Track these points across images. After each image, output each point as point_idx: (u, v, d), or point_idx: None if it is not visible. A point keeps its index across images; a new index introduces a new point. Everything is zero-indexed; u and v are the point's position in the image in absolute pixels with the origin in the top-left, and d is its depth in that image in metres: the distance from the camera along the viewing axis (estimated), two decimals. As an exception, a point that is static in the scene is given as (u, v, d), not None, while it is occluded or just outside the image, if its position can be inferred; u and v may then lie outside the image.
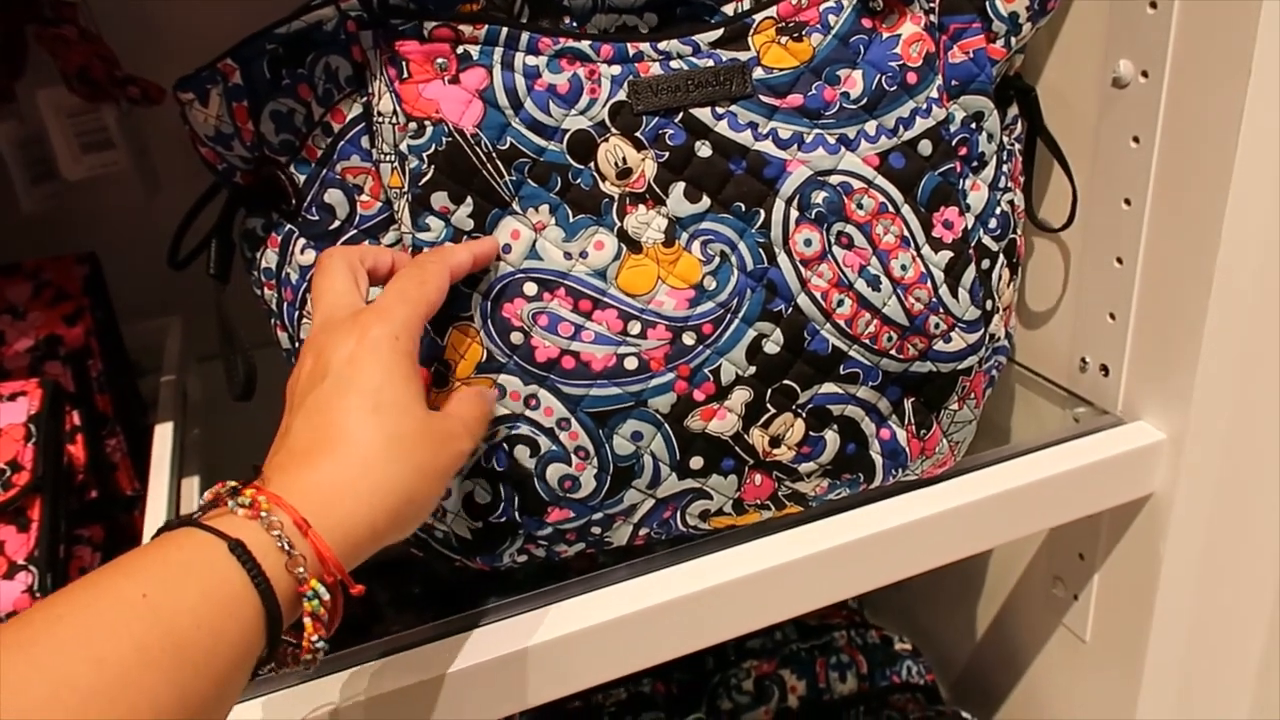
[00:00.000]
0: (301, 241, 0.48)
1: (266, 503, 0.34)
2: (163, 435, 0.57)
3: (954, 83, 0.50)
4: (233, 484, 0.35)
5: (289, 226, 0.49)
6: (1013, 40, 0.51)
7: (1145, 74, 0.52)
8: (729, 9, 0.48)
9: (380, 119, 0.46)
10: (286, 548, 0.33)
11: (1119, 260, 0.56)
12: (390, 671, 0.46)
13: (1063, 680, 0.69)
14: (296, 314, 0.50)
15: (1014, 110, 0.55)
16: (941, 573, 0.80)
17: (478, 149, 0.45)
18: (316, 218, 0.48)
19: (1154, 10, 0.50)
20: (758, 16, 0.46)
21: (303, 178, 0.47)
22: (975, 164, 0.51)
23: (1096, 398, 0.60)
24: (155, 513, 0.50)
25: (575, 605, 0.48)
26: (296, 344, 0.51)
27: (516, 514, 0.48)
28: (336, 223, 0.48)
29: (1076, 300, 0.60)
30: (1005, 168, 0.53)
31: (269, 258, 0.50)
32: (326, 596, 0.34)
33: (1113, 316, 0.58)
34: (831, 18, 0.47)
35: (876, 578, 0.52)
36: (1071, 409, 0.62)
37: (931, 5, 0.49)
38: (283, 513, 0.34)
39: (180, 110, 0.48)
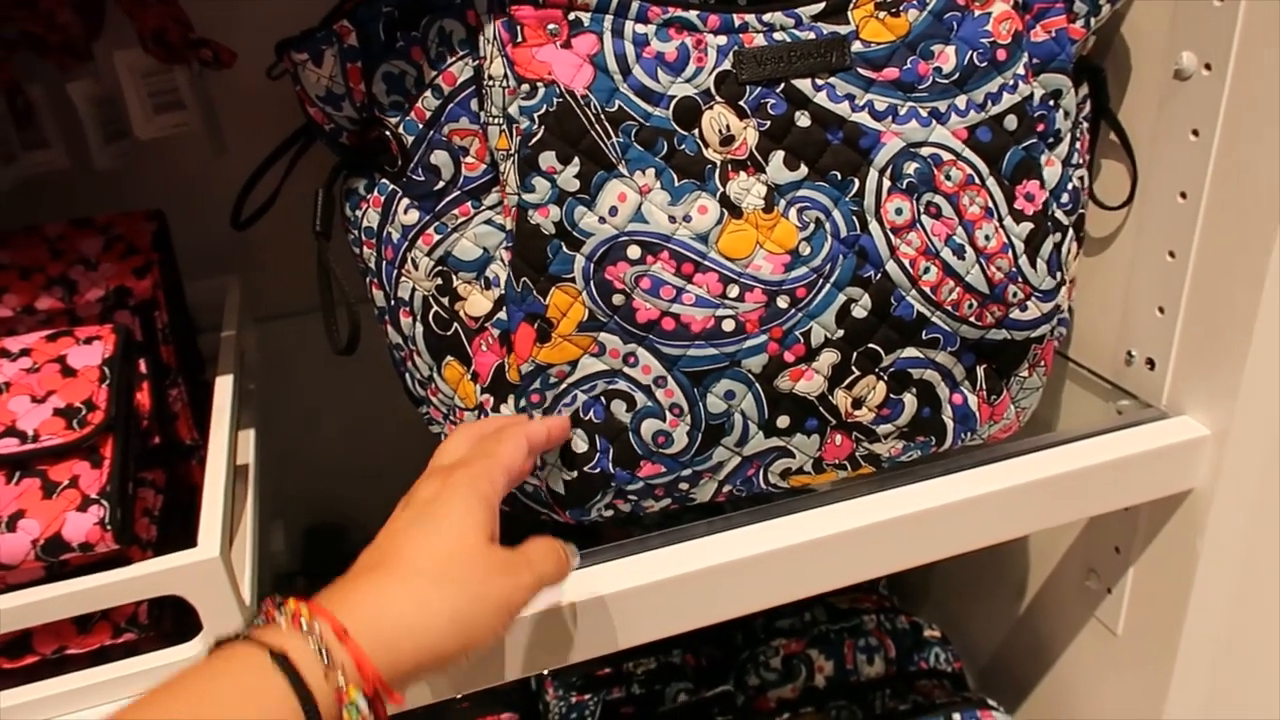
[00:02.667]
0: (405, 201, 0.50)
1: (308, 612, 0.35)
2: (222, 387, 0.59)
3: (1035, 60, 0.52)
4: (279, 597, 0.36)
5: (392, 186, 0.50)
6: (1092, 21, 0.53)
7: (1208, 67, 0.53)
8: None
9: (491, 82, 0.47)
10: (324, 655, 0.34)
11: (1171, 254, 0.58)
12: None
13: (1092, 673, 0.71)
14: (395, 272, 0.51)
15: (1083, 90, 0.57)
16: (974, 563, 0.82)
17: (587, 110, 0.46)
18: (422, 178, 0.49)
19: (1220, 4, 0.52)
20: (857, -8, 0.48)
21: (410, 139, 0.49)
22: (1051, 140, 0.53)
23: (1141, 391, 0.62)
24: (215, 461, 0.51)
25: (660, 556, 0.50)
26: (392, 302, 0.52)
27: (610, 465, 0.49)
28: (441, 183, 0.49)
29: (1126, 293, 0.61)
30: (1076, 145, 0.55)
31: (370, 217, 0.51)
32: (365, 708, 0.34)
33: (1161, 310, 0.59)
34: (926, -6, 0.48)
35: (921, 554, 0.54)
36: (1115, 401, 0.63)
37: (1017, -15, 0.51)
38: (323, 621, 0.35)
39: (291, 70, 0.49)
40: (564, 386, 0.48)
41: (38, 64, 0.66)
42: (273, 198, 0.60)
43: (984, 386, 0.53)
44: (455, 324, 0.51)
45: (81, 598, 0.41)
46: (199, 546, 0.43)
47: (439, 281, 0.50)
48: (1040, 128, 0.52)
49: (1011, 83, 0.50)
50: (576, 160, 0.46)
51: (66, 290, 0.57)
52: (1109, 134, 0.59)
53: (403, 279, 0.51)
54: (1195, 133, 0.55)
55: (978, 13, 0.49)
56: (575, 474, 0.49)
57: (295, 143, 0.57)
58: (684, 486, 0.51)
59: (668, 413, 0.49)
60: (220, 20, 0.70)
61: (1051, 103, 0.53)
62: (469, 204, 0.49)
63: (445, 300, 0.50)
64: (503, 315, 0.49)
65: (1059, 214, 0.54)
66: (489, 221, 0.49)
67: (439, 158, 0.49)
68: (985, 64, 0.49)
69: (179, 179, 0.74)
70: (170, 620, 0.48)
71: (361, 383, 0.78)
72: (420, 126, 0.49)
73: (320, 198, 0.50)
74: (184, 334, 0.67)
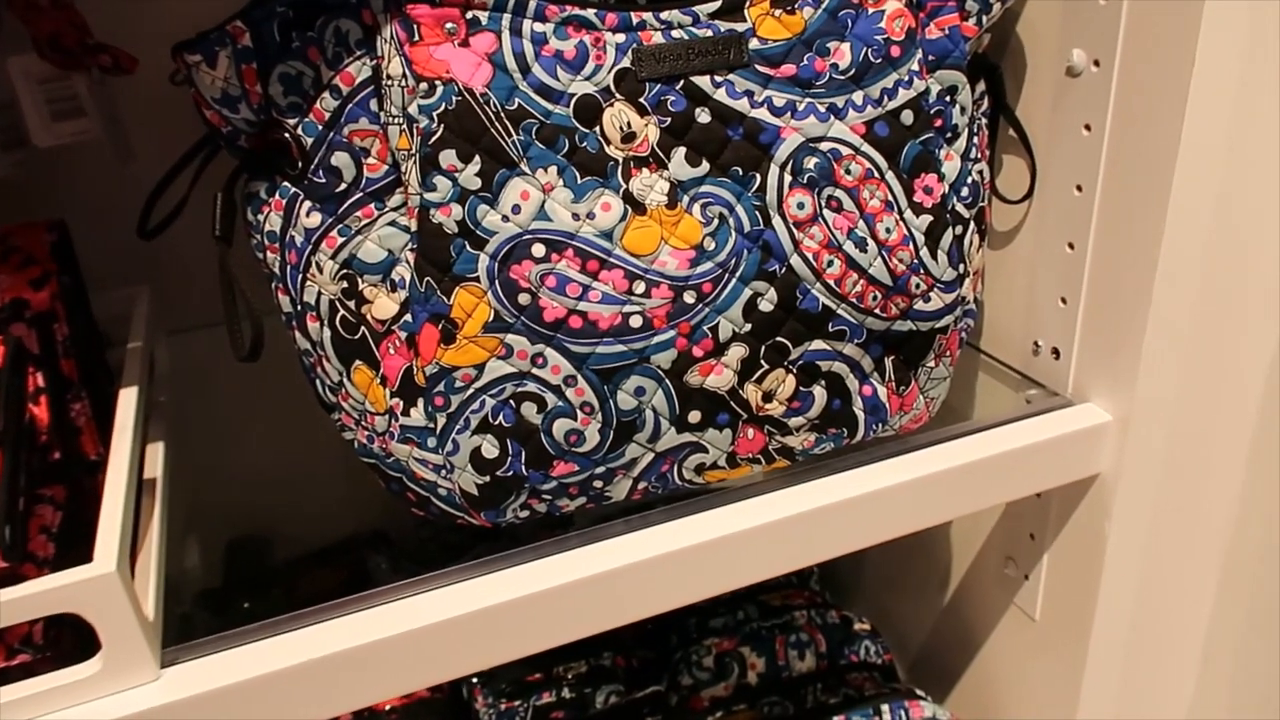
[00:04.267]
0: (307, 204, 0.49)
1: None
2: (126, 400, 0.57)
3: (930, 57, 0.53)
4: None
5: (294, 190, 0.49)
6: (984, 19, 0.54)
7: (1097, 63, 0.55)
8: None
9: (389, 82, 0.47)
10: None
11: (1070, 245, 0.59)
12: (371, 622, 0.47)
13: (1014, 658, 0.72)
14: (300, 277, 0.50)
15: (980, 87, 0.58)
16: (901, 555, 0.84)
17: (486, 108, 0.46)
18: (323, 180, 0.49)
19: (1105, 3, 0.54)
20: (753, -10, 0.49)
21: (310, 140, 0.48)
22: (949, 135, 0.54)
23: (1048, 380, 0.63)
24: (116, 474, 0.50)
25: (576, 556, 0.50)
26: (298, 307, 0.51)
27: (523, 468, 0.49)
28: (343, 185, 0.49)
29: (1030, 284, 0.63)
30: (975, 140, 0.56)
31: (273, 221, 0.50)
32: None
33: (1064, 301, 0.61)
34: (821, -7, 0.49)
35: (838, 545, 0.54)
36: (1024, 391, 0.64)
37: (910, -16, 0.52)
38: None
39: (185, 73, 0.48)
40: (471, 391, 0.48)
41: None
42: (180, 206, 0.59)
43: (892, 377, 0.54)
44: (362, 327, 0.50)
45: (-35, 618, 0.39)
46: (95, 562, 0.42)
47: (344, 285, 0.50)
48: (937, 123, 0.53)
49: (907, 79, 0.51)
50: (477, 158, 0.46)
51: (-41, 304, 0.55)
52: (1008, 130, 0.61)
53: (308, 283, 0.50)
54: (1088, 127, 0.57)
55: (871, 10, 0.50)
56: (488, 478, 0.49)
57: (202, 149, 0.56)
58: (598, 484, 0.51)
59: (579, 411, 0.49)
60: (123, 26, 0.69)
61: (948, 99, 0.54)
62: (372, 206, 0.49)
63: (351, 304, 0.50)
64: (409, 318, 0.49)
65: (959, 207, 0.55)
66: (393, 223, 0.49)
67: (340, 159, 0.48)
68: (880, 60, 0.50)
69: (84, 189, 0.73)
70: (70, 639, 0.46)
71: (280, 392, 0.77)
72: (320, 128, 0.48)
73: (219, 201, 0.49)
74: (88, 347, 0.65)
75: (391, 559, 0.83)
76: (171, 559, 0.54)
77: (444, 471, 0.50)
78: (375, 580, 0.82)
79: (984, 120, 0.59)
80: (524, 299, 0.47)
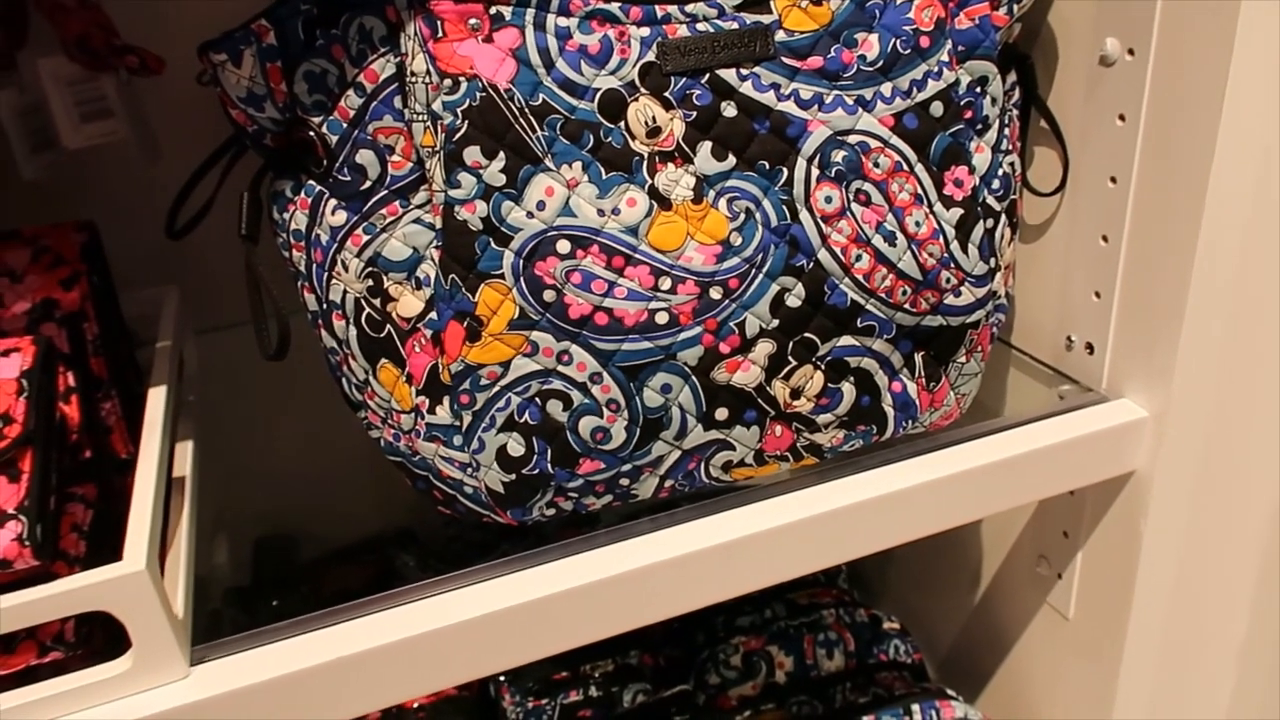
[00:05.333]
0: (332, 203, 0.49)
1: None
2: (156, 399, 0.57)
3: (960, 48, 0.52)
4: None
5: (319, 188, 0.49)
6: (1014, 8, 0.53)
7: (1131, 52, 0.54)
8: (747, -25, 0.50)
9: (413, 78, 0.46)
10: None
11: (1104, 239, 0.58)
12: (399, 620, 0.47)
13: (1046, 658, 0.71)
14: (326, 275, 0.50)
15: (1011, 78, 0.57)
16: (931, 554, 0.83)
17: (511, 104, 0.46)
18: (348, 178, 0.48)
19: (1142, -14, 0.53)
20: (779, -19, 0.48)
21: (335, 138, 0.48)
22: (980, 126, 0.53)
23: (1082, 376, 0.62)
24: (145, 472, 0.50)
25: (604, 554, 0.50)
26: (324, 305, 0.51)
27: (549, 466, 0.49)
28: (368, 183, 0.49)
29: (1063, 278, 0.62)
30: (1006, 131, 0.55)
31: (298, 219, 0.50)
32: None
33: (1098, 295, 0.60)
34: (849, -17, 0.49)
35: (868, 544, 0.54)
36: (1057, 386, 0.63)
37: (939, -27, 0.52)
38: None
39: (211, 73, 0.48)
40: (496, 389, 0.47)
41: (-44, 73, 0.64)
42: (207, 205, 0.59)
43: (922, 374, 0.54)
44: (388, 325, 0.50)
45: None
46: (124, 560, 0.42)
47: (370, 283, 0.50)
48: (968, 114, 0.52)
49: (936, 69, 0.50)
50: (502, 155, 0.46)
51: (-10, 303, 0.56)
52: (1040, 121, 0.60)
53: (333, 281, 0.50)
54: (1122, 118, 0.55)
55: (899, 0, 0.49)
56: (514, 476, 0.49)
57: (229, 149, 0.56)
58: (625, 482, 0.51)
59: (605, 409, 0.48)
60: (150, 26, 0.70)
61: (978, 89, 0.53)
62: (397, 203, 0.49)
63: (377, 302, 0.50)
64: (435, 315, 0.49)
65: (990, 200, 0.54)
66: (418, 221, 0.49)
67: (365, 157, 0.48)
68: (909, 51, 0.49)
69: (113, 189, 0.73)
70: (101, 637, 0.47)
71: (308, 391, 0.77)
72: (344, 126, 0.48)
73: (245, 200, 0.49)
74: (118, 347, 0.66)
75: (418, 557, 0.83)
76: (200, 556, 0.55)
77: (470, 470, 0.50)
78: (402, 578, 0.82)
79: (1015, 111, 0.58)
80: (549, 296, 0.47)
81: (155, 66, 0.65)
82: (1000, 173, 0.55)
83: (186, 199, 0.59)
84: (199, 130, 0.72)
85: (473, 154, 0.46)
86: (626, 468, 0.50)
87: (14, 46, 0.65)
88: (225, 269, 0.77)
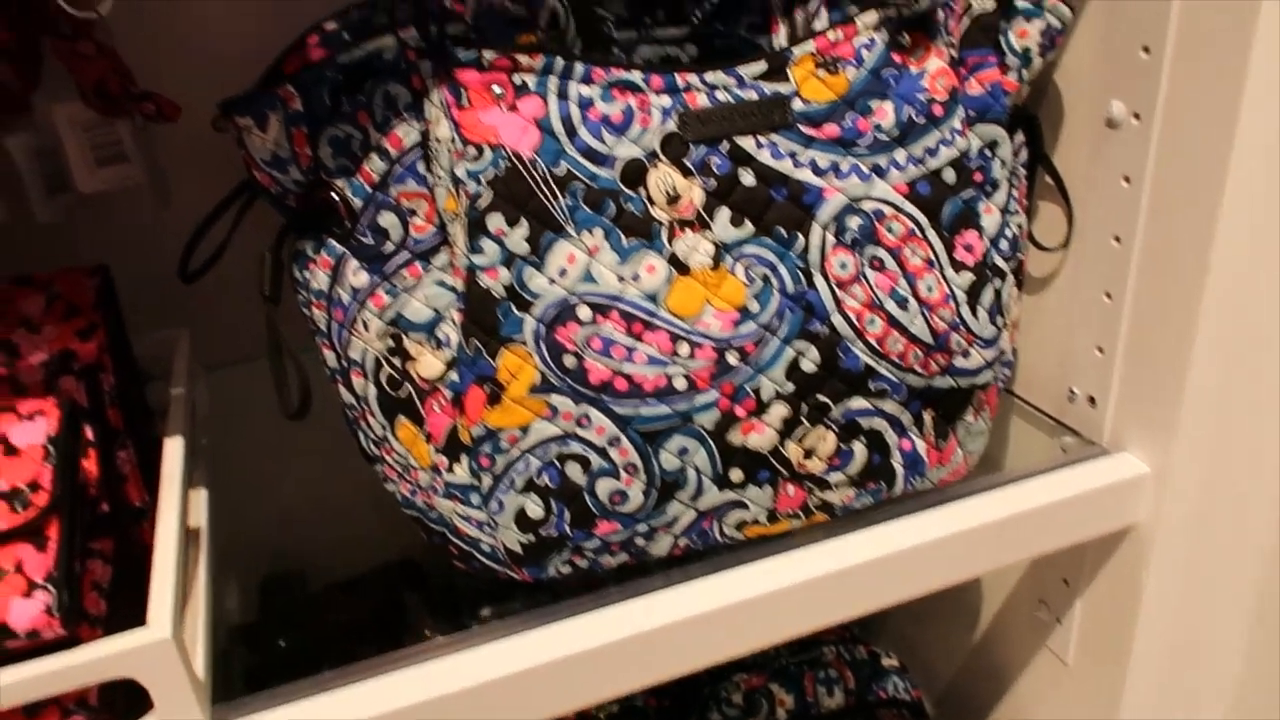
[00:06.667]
0: (354, 263, 0.50)
1: None
2: (173, 449, 0.58)
3: (971, 113, 0.53)
4: None
5: (341, 248, 0.50)
6: (1024, 73, 0.54)
7: (1137, 116, 0.55)
8: (766, 41, 0.51)
9: (437, 144, 0.47)
10: None
11: (1108, 295, 0.59)
12: (418, 681, 0.47)
13: (1044, 702, 0.72)
14: (346, 334, 0.51)
15: (1019, 137, 0.58)
16: (931, 593, 0.83)
17: (534, 173, 0.46)
18: (370, 240, 0.49)
19: (1147, 55, 0.54)
20: (797, 51, 0.49)
21: (358, 201, 0.49)
22: (989, 188, 0.54)
23: (1084, 428, 0.63)
24: (166, 533, 0.50)
25: (617, 613, 0.50)
26: (343, 362, 0.52)
27: (567, 527, 0.49)
28: (390, 245, 0.49)
29: (1066, 332, 0.63)
30: (1014, 192, 0.56)
31: (319, 278, 0.51)
32: None
33: (1101, 350, 0.60)
34: (865, 52, 0.49)
35: (875, 600, 0.54)
36: (1060, 437, 0.64)
37: (952, 40, 0.53)
38: None
39: (235, 134, 0.48)
40: (516, 452, 0.48)
41: (-29, 118, 0.64)
42: (220, 250, 0.59)
43: (931, 432, 0.54)
44: (407, 384, 0.51)
45: (26, 686, 0.40)
46: (149, 626, 0.43)
47: (390, 343, 0.50)
48: (978, 178, 0.53)
49: (949, 137, 0.51)
50: (524, 222, 0.46)
51: (8, 355, 0.56)
52: (1044, 177, 0.61)
53: (353, 340, 0.51)
54: (1127, 179, 0.56)
55: (914, 70, 0.50)
56: (531, 537, 0.49)
57: (242, 194, 0.57)
58: (640, 542, 0.52)
59: (623, 472, 0.49)
60: (163, 69, 0.70)
61: (988, 153, 0.54)
62: (419, 265, 0.49)
63: (397, 361, 0.50)
64: (455, 376, 0.49)
65: (998, 260, 0.55)
66: (439, 283, 0.49)
67: (387, 220, 0.49)
68: (923, 120, 0.50)
69: (123, 230, 0.73)
70: (123, 699, 0.47)
71: (315, 427, 0.77)
72: (368, 189, 0.48)
73: (268, 261, 0.50)
74: (131, 391, 0.66)
75: (423, 592, 0.84)
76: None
77: (488, 528, 0.51)
78: (407, 614, 0.82)
79: (1022, 170, 0.59)
80: (569, 361, 0.47)
81: (171, 113, 0.65)
82: (1008, 233, 0.56)
83: (199, 243, 0.59)
84: (208, 172, 0.72)
85: (496, 221, 0.46)
86: (642, 528, 0.51)
87: (29, 89, 0.65)
88: (234, 306, 0.77)
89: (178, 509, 0.52)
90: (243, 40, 0.70)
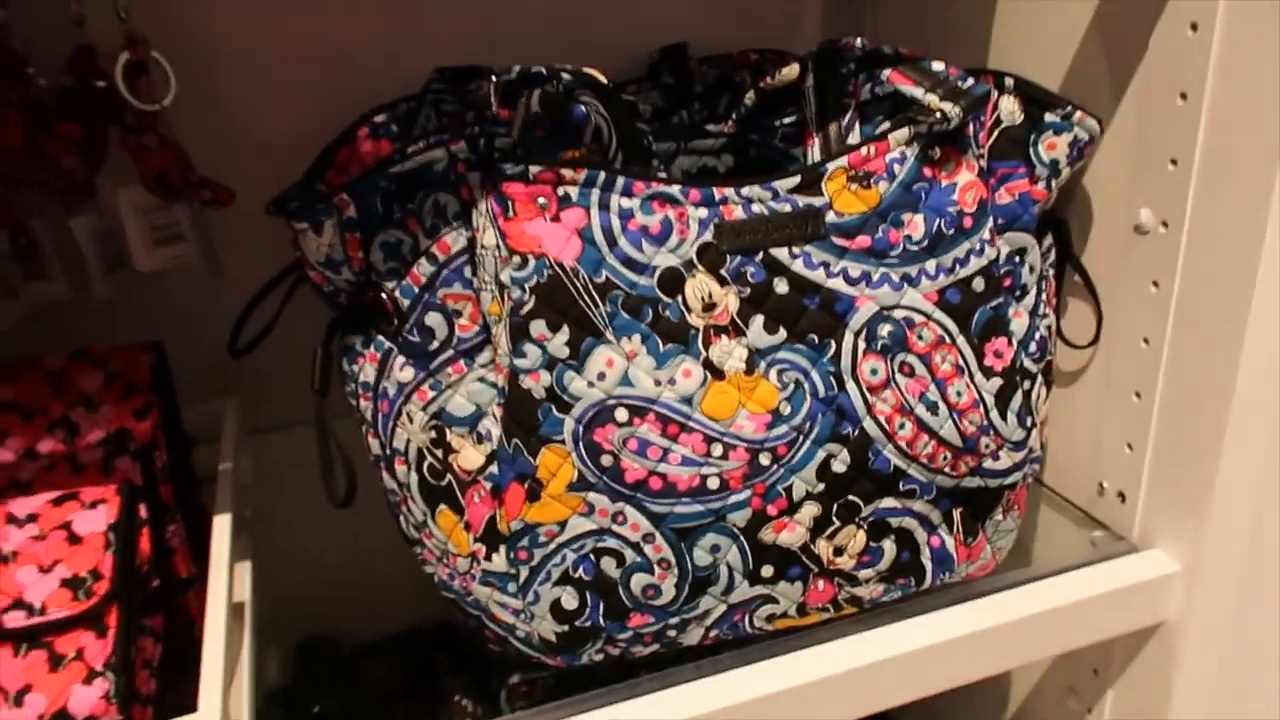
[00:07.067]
0: (401, 359, 0.52)
1: None
2: (221, 527, 0.60)
3: (1000, 221, 0.55)
4: None
5: (388, 344, 0.52)
6: (1053, 183, 0.56)
7: (1165, 224, 0.56)
8: (800, 151, 0.53)
9: (484, 251, 0.49)
10: None
11: (1137, 395, 0.60)
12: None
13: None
14: (391, 425, 0.53)
15: (1048, 240, 0.60)
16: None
17: (576, 281, 0.48)
18: (417, 338, 0.51)
19: (1174, 167, 0.55)
20: (830, 165, 0.51)
21: (406, 301, 0.51)
22: (1018, 293, 0.56)
23: (1113, 522, 0.64)
24: (215, 608, 0.52)
25: (649, 702, 0.51)
26: (387, 451, 0.54)
27: (601, 619, 0.51)
28: (436, 343, 0.51)
29: (1095, 427, 0.64)
30: (1043, 294, 0.58)
31: (367, 372, 0.53)
32: None
33: (1130, 447, 0.61)
34: (896, 167, 0.51)
35: (903, 694, 0.55)
36: (1088, 530, 0.65)
37: (981, 152, 0.54)
38: None
39: (291, 237, 0.51)
40: (553, 546, 0.50)
41: (40, 198, 0.68)
42: (268, 328, 0.62)
43: (960, 529, 0.55)
44: (449, 475, 0.52)
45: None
46: (200, 713, 0.44)
47: (433, 435, 0.52)
48: (1007, 283, 0.55)
49: (978, 247, 0.52)
50: (566, 328, 0.48)
51: (68, 433, 0.58)
52: (1074, 276, 0.62)
53: (398, 430, 0.53)
54: (1156, 284, 0.58)
55: (944, 183, 0.52)
56: (566, 627, 0.51)
57: (289, 276, 0.59)
58: (672, 634, 0.53)
59: (656, 567, 0.50)
60: (217, 154, 0.73)
61: (1017, 259, 0.55)
62: (462, 363, 0.51)
63: (439, 452, 0.52)
64: (494, 469, 0.51)
65: (1027, 363, 0.56)
66: (481, 379, 0.51)
67: (433, 319, 0.51)
68: (953, 231, 0.52)
69: (174, 304, 0.76)
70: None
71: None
72: (416, 290, 0.51)
73: (318, 357, 0.52)
74: (181, 462, 0.69)
75: (455, 654, 0.85)
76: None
77: (523, 617, 0.52)
78: (440, 675, 0.83)
79: (1051, 272, 0.60)
80: (606, 460, 0.49)
81: (226, 200, 0.68)
82: (1037, 336, 0.57)
83: (247, 319, 0.62)
84: (259, 250, 0.75)
85: (538, 327, 0.48)
86: (674, 621, 0.52)
87: (93, 172, 0.69)
88: (277, 374, 0.79)
89: (225, 589, 0.54)
90: (293, 126, 0.73)
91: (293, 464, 0.79)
